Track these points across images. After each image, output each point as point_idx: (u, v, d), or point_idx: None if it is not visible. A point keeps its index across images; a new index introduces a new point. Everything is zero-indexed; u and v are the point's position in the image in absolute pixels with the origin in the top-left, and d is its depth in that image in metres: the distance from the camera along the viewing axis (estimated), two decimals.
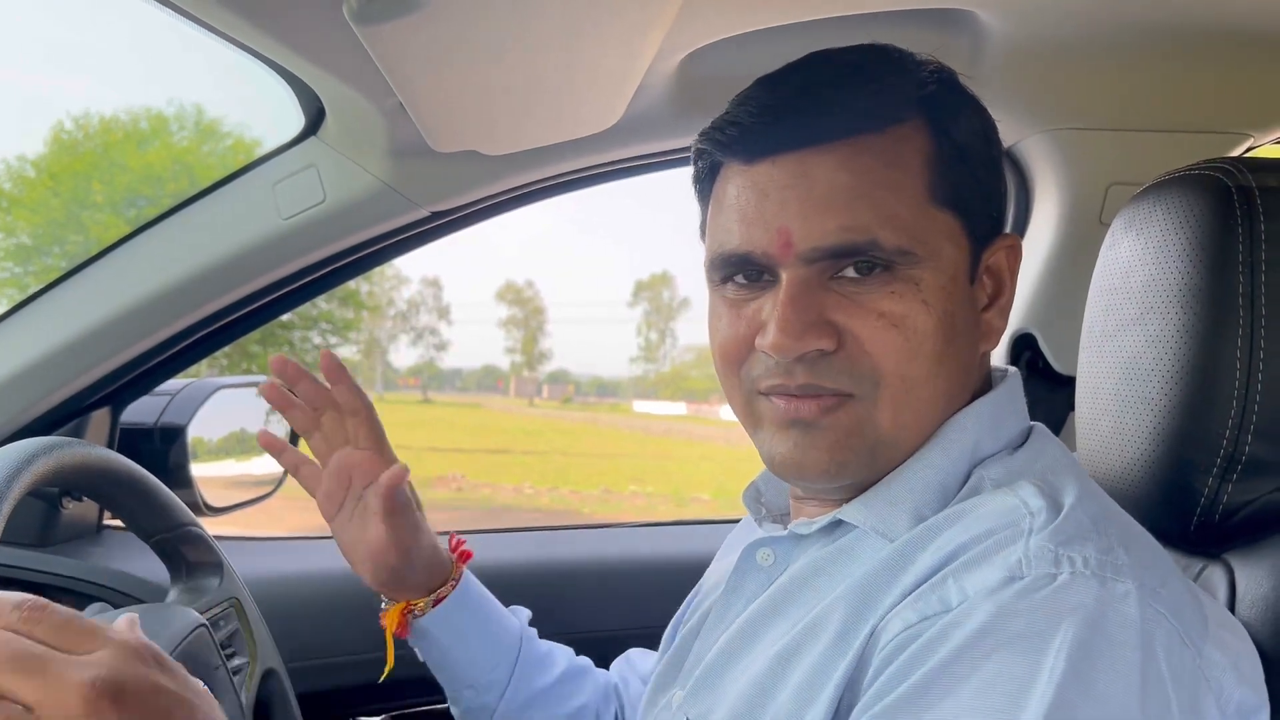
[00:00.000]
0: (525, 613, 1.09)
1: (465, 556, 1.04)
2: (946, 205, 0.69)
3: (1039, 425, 0.75)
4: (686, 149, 1.22)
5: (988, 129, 0.74)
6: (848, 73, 0.70)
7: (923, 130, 0.69)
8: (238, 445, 1.65)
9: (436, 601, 0.99)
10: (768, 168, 0.69)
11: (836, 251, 0.67)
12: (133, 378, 1.29)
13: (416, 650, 1.03)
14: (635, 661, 1.09)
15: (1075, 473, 0.69)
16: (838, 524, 0.73)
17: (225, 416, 1.59)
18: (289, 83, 1.08)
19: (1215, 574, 0.75)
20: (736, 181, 0.71)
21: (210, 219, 1.21)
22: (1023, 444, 0.72)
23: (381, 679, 1.01)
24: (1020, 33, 1.10)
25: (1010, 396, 0.75)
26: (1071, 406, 1.06)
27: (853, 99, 0.68)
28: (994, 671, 0.54)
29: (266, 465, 1.63)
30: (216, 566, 1.05)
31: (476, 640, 1.01)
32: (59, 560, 1.25)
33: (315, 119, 1.16)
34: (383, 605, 1.01)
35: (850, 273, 0.67)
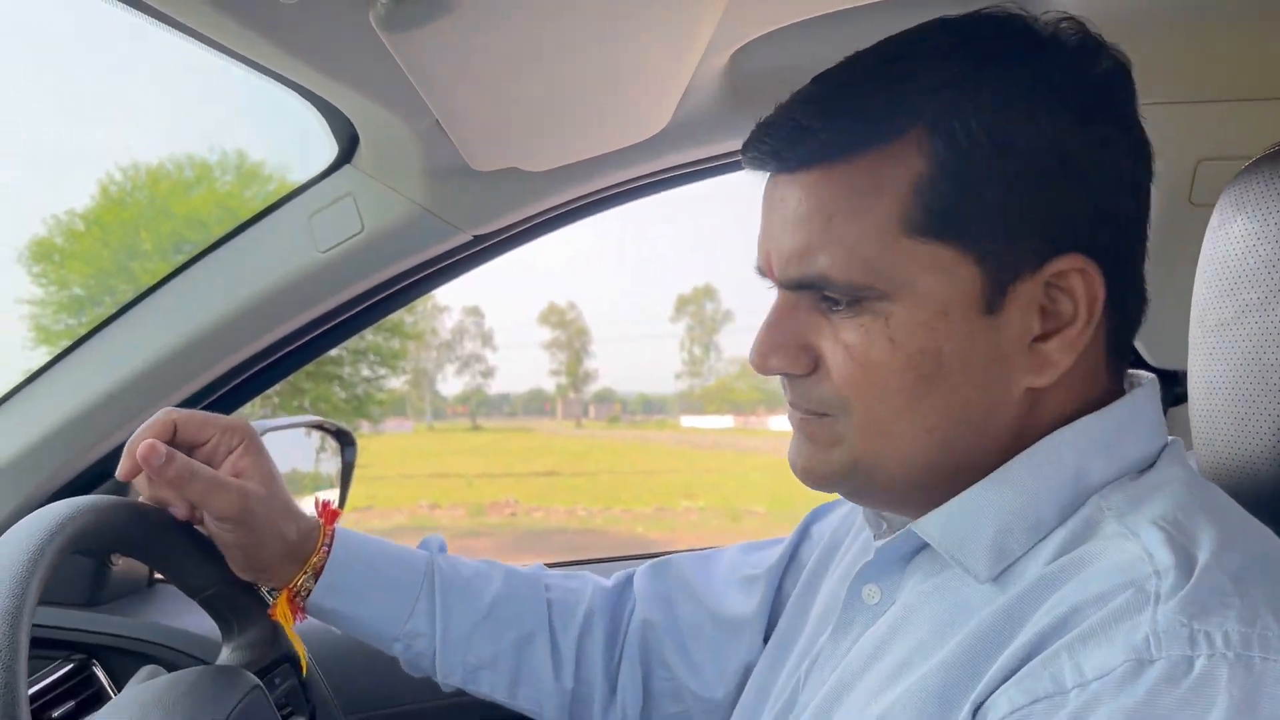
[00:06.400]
0: (437, 541, 1.03)
1: (332, 516, 0.97)
2: (934, 234, 0.61)
3: (1175, 443, 0.67)
4: (738, 152, 1.16)
5: (1049, 133, 0.61)
6: (839, 90, 0.65)
7: (918, 148, 0.61)
8: (289, 485, 1.61)
9: (316, 573, 0.93)
10: (770, 182, 0.68)
11: (796, 283, 0.65)
12: None
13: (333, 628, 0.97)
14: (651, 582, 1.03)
15: (1212, 506, 0.60)
16: (924, 547, 0.67)
17: (274, 458, 1.55)
18: (320, 109, 1.03)
19: None
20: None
21: (247, 257, 1.17)
22: (1152, 467, 0.64)
23: (303, 678, 0.97)
24: (1091, 5, 1.01)
25: (1134, 411, 0.65)
26: (1172, 402, 0.96)
27: (825, 124, 0.63)
28: None
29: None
30: (269, 621, 1.00)
31: (378, 595, 0.95)
32: (109, 619, 1.21)
33: (349, 146, 1.11)
34: (269, 600, 0.95)
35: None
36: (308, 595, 0.94)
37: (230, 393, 1.22)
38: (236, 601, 0.98)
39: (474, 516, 16.00)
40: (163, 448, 0.86)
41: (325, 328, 1.20)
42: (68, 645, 1.20)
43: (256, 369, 1.21)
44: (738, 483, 21.49)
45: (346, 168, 1.13)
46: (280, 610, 0.94)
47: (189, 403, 1.19)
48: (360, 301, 1.18)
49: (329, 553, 0.94)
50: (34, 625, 1.18)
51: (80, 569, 1.22)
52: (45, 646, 1.19)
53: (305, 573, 0.93)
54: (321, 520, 0.97)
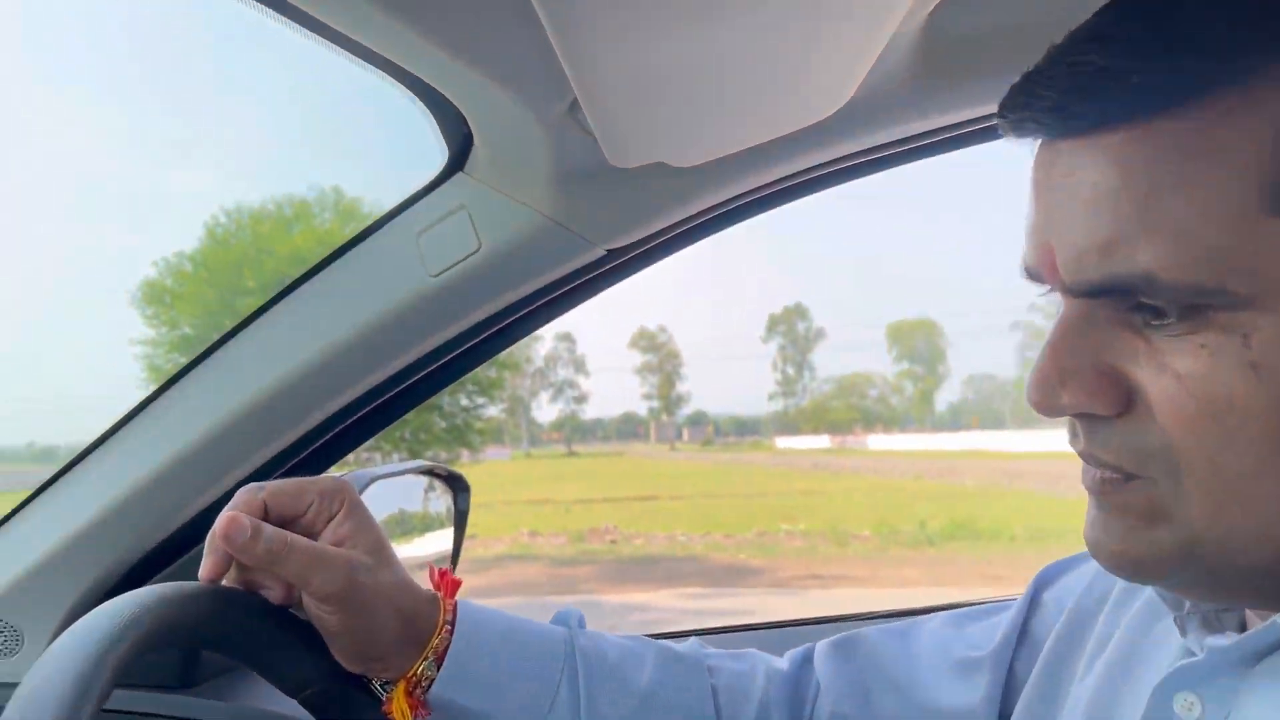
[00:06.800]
0: (575, 615, 0.86)
1: (453, 587, 0.80)
2: None
3: None
4: (921, 136, 0.96)
5: None
6: (1149, 17, 0.46)
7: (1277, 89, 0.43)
8: (397, 528, 1.47)
9: (439, 659, 0.76)
10: (1047, 152, 0.51)
11: (1096, 288, 0.48)
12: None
13: None
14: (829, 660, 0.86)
15: None
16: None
17: (382, 505, 1.41)
18: (428, 103, 0.87)
19: None
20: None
21: (344, 288, 1.01)
22: None
23: None
24: None
25: None
26: None
27: (1138, 65, 0.45)
28: None
29: (432, 545, 1.45)
30: None
31: (512, 684, 0.78)
32: (203, 704, 1.06)
33: (461, 149, 0.94)
34: (382, 696, 0.77)
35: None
36: (429, 686, 0.77)
37: (330, 443, 1.06)
38: (345, 700, 0.81)
39: (575, 544, 15.85)
40: (246, 519, 0.70)
41: (437, 364, 1.02)
42: None
43: (359, 415, 1.04)
44: (839, 505, 21.03)
45: (459, 176, 0.96)
46: (397, 707, 0.77)
47: (281, 458, 1.03)
48: (477, 332, 1.01)
49: (452, 633, 0.77)
50: (123, 713, 1.04)
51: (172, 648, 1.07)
52: None
53: (425, 659, 0.76)
54: (440, 593, 0.80)
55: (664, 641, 0.88)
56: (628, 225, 0.97)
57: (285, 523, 0.74)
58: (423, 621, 0.77)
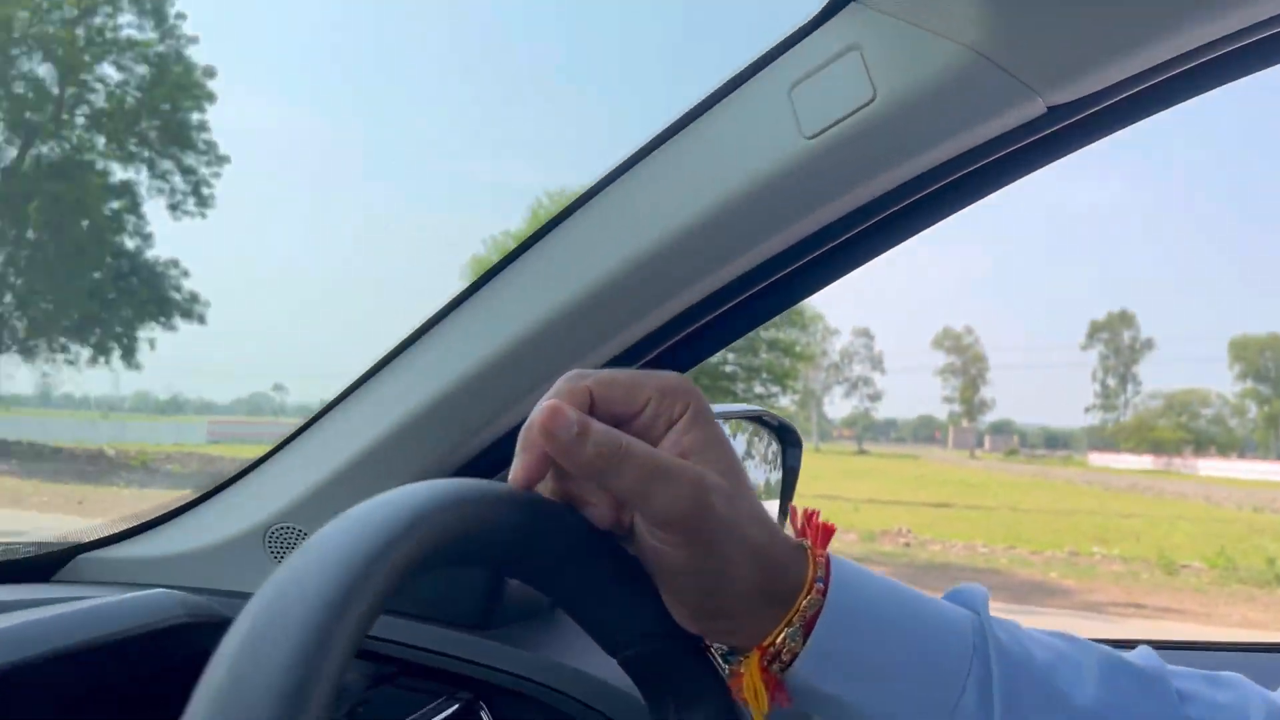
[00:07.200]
0: (979, 593, 0.62)
1: (826, 535, 0.59)
2: None
3: None
4: None
5: None
6: None
7: None
8: None
9: (806, 628, 0.54)
10: None
11: None
12: None
13: None
14: None
15: None
16: None
17: None
18: None
19: None
20: None
21: (693, 162, 0.81)
22: None
23: None
24: None
25: None
26: None
27: None
28: None
29: None
30: (728, 703, 0.62)
31: (904, 677, 0.55)
32: (501, 650, 0.91)
33: None
34: (725, 669, 0.58)
35: None
36: (790, 661, 0.55)
37: (675, 349, 0.87)
38: (676, 667, 0.61)
39: (866, 543, 15.30)
40: (572, 413, 0.51)
41: (810, 256, 0.80)
42: (455, 679, 0.91)
43: (708, 318, 0.84)
44: (1163, 531, 18.98)
45: (851, 7, 0.73)
46: (749, 684, 0.56)
47: (615, 364, 0.85)
48: (864, 215, 0.77)
49: (824, 594, 0.55)
50: (420, 650, 0.91)
51: (472, 579, 0.93)
52: (429, 678, 0.91)
53: (789, 624, 0.54)
54: (809, 541, 0.58)
55: (1107, 648, 0.62)
56: (1087, 66, 0.69)
57: (616, 423, 0.55)
58: (787, 575, 0.55)
